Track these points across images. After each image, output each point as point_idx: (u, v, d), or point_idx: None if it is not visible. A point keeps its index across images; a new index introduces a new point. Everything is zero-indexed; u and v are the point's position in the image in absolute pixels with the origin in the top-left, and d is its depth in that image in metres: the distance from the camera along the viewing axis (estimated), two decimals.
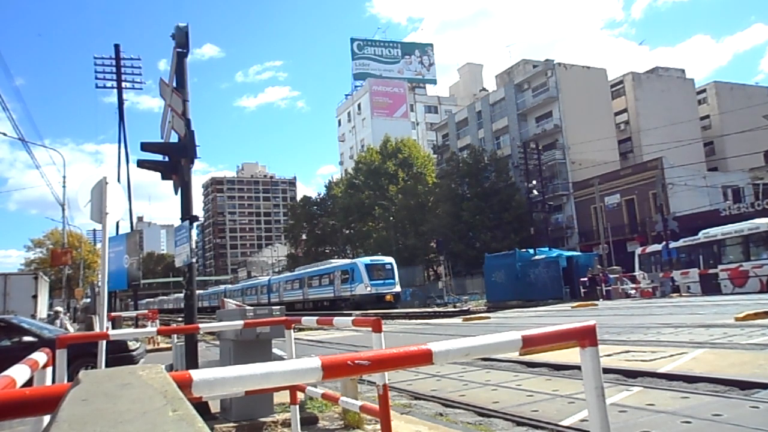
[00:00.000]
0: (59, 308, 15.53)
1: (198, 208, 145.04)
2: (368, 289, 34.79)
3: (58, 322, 14.57)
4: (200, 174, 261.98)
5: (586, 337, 1.92)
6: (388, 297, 34.95)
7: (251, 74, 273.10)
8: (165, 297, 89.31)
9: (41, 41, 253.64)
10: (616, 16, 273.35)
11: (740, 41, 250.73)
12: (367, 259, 37.54)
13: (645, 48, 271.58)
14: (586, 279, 29.17)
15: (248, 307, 6.45)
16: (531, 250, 32.90)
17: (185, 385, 1.32)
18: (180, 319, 37.65)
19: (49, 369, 2.97)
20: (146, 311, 21.63)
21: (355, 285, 35.43)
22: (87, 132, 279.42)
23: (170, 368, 8.61)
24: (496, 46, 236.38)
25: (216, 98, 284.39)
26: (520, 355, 2.04)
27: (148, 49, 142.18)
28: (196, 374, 1.38)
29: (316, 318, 5.42)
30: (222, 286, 78.49)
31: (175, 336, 8.76)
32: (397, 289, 36.48)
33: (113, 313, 16.12)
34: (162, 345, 16.34)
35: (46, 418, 1.04)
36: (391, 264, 36.88)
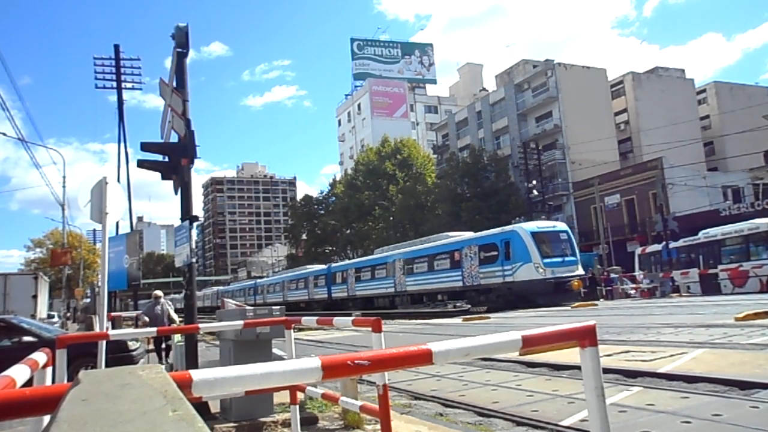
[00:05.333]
0: (158, 292, 12.33)
1: (198, 208, 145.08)
2: (541, 271, 23.21)
3: (158, 308, 11.71)
4: (204, 173, 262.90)
5: (586, 337, 1.93)
6: (575, 283, 23.45)
7: (258, 73, 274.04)
8: (177, 296, 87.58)
9: (45, 40, 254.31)
10: (629, 14, 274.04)
11: (751, 39, 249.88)
12: (531, 225, 25.53)
13: (655, 47, 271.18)
14: (586, 279, 29.15)
15: (248, 307, 6.46)
16: None
17: (185, 385, 1.32)
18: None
19: (49, 369, 2.97)
20: None
21: (514, 266, 23.82)
22: (92, 131, 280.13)
23: (170, 368, 8.61)
24: (504, 44, 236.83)
25: (222, 97, 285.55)
26: (520, 355, 2.04)
27: (154, 47, 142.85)
28: (196, 374, 1.38)
29: (316, 318, 5.43)
30: (250, 281, 66.67)
31: (175, 336, 8.76)
32: (581, 270, 25.07)
33: (113, 313, 16.11)
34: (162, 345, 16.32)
35: (46, 418, 1.04)
36: (567, 233, 25.60)
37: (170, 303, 12.28)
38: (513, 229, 25.23)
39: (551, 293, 23.24)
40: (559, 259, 24.12)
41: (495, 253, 24.97)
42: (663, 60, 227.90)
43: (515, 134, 51.77)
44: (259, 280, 60.93)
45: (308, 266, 48.77)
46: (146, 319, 11.51)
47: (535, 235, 24.14)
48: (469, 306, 26.66)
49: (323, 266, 44.32)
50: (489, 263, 25.13)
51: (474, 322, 18.53)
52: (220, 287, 75.30)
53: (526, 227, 25.02)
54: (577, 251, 25.44)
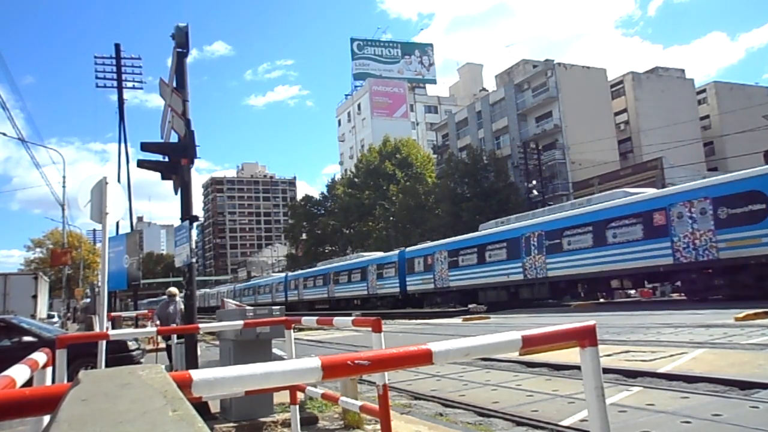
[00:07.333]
0: (173, 289, 11.65)
1: (198, 208, 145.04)
2: None
3: (171, 307, 11.08)
4: (204, 173, 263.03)
5: (586, 337, 1.93)
6: None
7: (260, 73, 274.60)
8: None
9: (48, 40, 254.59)
10: (633, 14, 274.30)
11: (755, 38, 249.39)
12: None
13: (659, 46, 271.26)
14: None
15: (248, 307, 6.46)
16: None
17: (185, 385, 1.32)
18: None
19: (49, 369, 2.97)
20: (146, 311, 21.66)
21: None
22: (94, 130, 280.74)
23: (170, 368, 8.60)
24: (507, 43, 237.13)
25: (224, 97, 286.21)
26: (520, 355, 2.04)
27: (156, 47, 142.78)
28: (196, 374, 1.38)
29: (316, 318, 5.43)
30: (280, 275, 56.45)
31: (175, 336, 8.75)
32: None
33: (113, 313, 16.13)
34: (162, 345, 16.34)
35: (46, 418, 1.04)
36: None
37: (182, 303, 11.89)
38: None
39: None
40: None
41: (757, 206, 15.56)
42: (667, 59, 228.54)
43: (515, 134, 51.76)
44: (290, 273, 52.24)
45: (365, 253, 40.78)
46: (158, 321, 11.20)
47: None
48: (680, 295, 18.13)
49: (391, 252, 35.53)
50: (741, 225, 15.85)
51: (474, 322, 18.53)
52: (238, 284, 73.77)
53: None
54: None
